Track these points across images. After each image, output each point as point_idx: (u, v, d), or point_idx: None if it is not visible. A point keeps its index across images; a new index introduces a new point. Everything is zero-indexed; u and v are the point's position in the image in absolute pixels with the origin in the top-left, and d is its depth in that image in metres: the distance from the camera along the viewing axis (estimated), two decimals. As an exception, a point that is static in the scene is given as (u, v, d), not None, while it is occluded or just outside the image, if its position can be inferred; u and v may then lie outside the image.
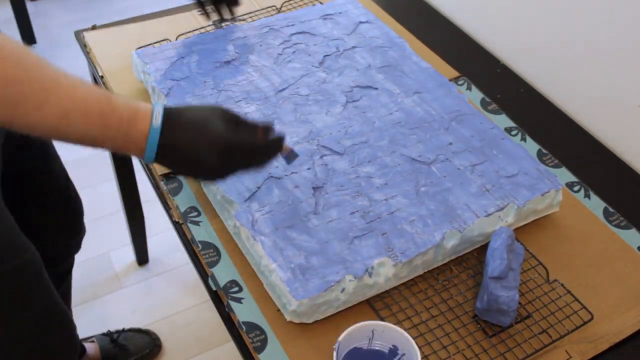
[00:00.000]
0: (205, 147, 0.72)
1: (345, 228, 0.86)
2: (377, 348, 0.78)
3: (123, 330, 1.56)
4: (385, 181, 0.92)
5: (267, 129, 0.79)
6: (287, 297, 0.79)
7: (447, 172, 0.93)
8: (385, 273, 0.83)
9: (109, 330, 1.55)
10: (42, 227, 1.14)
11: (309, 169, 0.93)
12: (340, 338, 0.73)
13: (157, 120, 0.70)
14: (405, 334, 0.76)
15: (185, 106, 0.76)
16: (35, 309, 0.99)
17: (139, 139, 0.70)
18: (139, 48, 1.21)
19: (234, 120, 0.75)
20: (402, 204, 0.89)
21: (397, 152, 0.96)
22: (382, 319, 0.82)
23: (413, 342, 0.75)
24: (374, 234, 0.85)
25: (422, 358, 0.79)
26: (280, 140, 0.80)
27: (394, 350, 0.78)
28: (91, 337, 1.53)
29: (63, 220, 1.21)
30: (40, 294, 0.99)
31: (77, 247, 1.28)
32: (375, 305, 0.84)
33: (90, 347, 1.48)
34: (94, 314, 1.65)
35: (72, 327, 1.11)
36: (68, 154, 1.31)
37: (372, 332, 0.77)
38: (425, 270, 0.87)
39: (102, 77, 1.17)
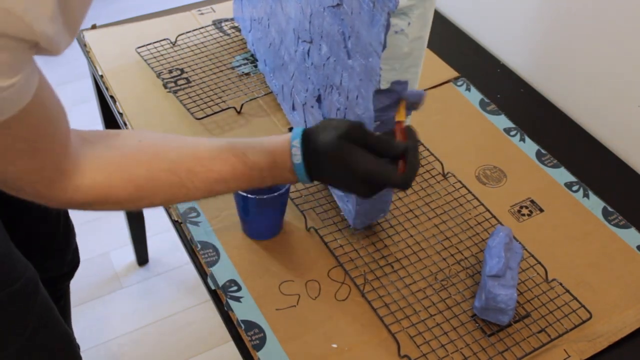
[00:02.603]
0: (351, 185, 0.74)
1: None
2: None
3: None
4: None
5: (408, 151, 0.73)
6: None
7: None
8: None
9: None
10: (30, 250, 1.11)
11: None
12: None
13: (298, 159, 0.73)
14: None
15: (322, 130, 0.73)
16: (32, 331, 0.97)
17: (288, 177, 0.75)
18: (139, 47, 1.22)
19: (367, 141, 0.73)
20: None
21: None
22: (380, 318, 0.83)
23: None
24: None
25: (420, 356, 0.79)
26: (417, 160, 0.74)
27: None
28: None
29: (52, 250, 1.18)
30: (37, 315, 0.98)
31: (68, 276, 1.26)
32: (374, 303, 0.84)
33: None
34: (94, 314, 1.66)
35: (73, 345, 1.10)
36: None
37: None
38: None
39: (102, 76, 1.17)
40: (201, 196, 0.72)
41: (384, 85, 0.73)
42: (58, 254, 1.20)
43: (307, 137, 0.73)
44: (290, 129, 1.07)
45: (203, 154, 0.71)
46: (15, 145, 0.57)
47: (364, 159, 0.71)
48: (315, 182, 0.95)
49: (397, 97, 0.75)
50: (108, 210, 0.71)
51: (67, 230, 1.20)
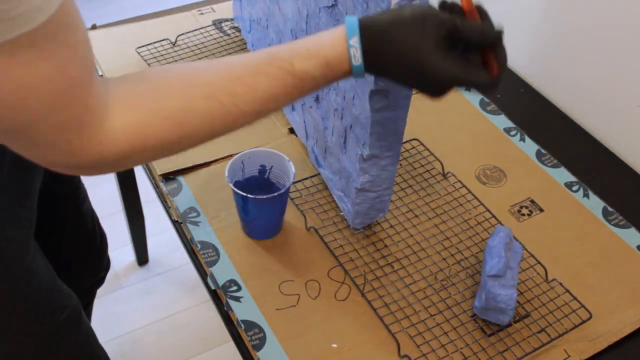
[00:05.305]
0: (420, 86, 0.62)
1: None
2: (248, 176, 0.91)
3: None
4: None
5: (498, 41, 0.64)
6: None
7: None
8: None
9: None
10: (67, 266, 1.10)
11: None
12: (227, 175, 0.86)
13: (357, 61, 0.60)
14: (269, 149, 0.90)
15: (388, 28, 0.60)
16: (78, 358, 0.97)
17: (342, 77, 0.63)
18: (139, 47, 1.22)
19: (452, 32, 0.61)
20: None
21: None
22: (380, 318, 0.83)
23: (277, 151, 0.89)
24: None
25: (420, 356, 0.79)
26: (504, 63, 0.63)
27: (262, 170, 0.92)
28: None
29: (88, 261, 1.20)
30: (82, 344, 0.97)
31: (100, 282, 1.27)
32: (374, 303, 0.84)
33: None
34: (94, 314, 1.65)
35: None
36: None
37: (242, 162, 0.90)
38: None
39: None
40: (250, 120, 0.62)
41: (377, 85, 0.73)
42: (96, 261, 1.22)
43: (368, 32, 0.60)
44: (291, 129, 1.07)
45: (242, 71, 0.60)
46: (40, 70, 0.49)
47: (451, 62, 0.60)
48: (317, 182, 0.94)
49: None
50: (148, 160, 0.61)
51: (102, 239, 1.21)
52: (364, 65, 0.61)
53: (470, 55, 0.62)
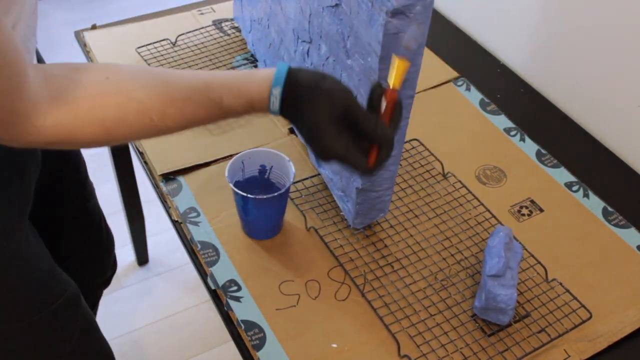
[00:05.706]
0: (312, 147, 0.70)
1: None
2: (248, 176, 0.92)
3: None
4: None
5: (382, 147, 0.69)
6: None
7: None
8: None
9: None
10: (73, 265, 1.11)
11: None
12: (227, 175, 0.87)
13: (275, 108, 0.69)
14: (269, 149, 0.90)
15: (304, 93, 0.68)
16: (75, 346, 0.97)
17: (259, 115, 0.72)
18: (139, 47, 1.22)
19: (352, 119, 0.68)
20: None
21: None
22: (380, 318, 0.83)
23: (277, 152, 0.90)
24: None
25: (420, 356, 0.79)
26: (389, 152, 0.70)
27: (262, 170, 0.92)
28: None
29: (94, 259, 1.19)
30: (80, 330, 0.97)
31: (106, 283, 1.26)
32: (374, 303, 0.84)
33: None
34: (94, 313, 1.66)
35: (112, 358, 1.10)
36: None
37: (242, 162, 0.90)
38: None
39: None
40: (172, 133, 0.70)
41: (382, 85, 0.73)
42: (103, 259, 1.22)
43: (289, 90, 0.68)
44: (291, 129, 1.07)
45: (176, 94, 0.67)
46: None
47: (339, 142, 0.68)
48: (317, 182, 0.95)
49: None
50: (75, 148, 0.68)
51: (108, 236, 1.21)
52: (280, 111, 0.69)
53: (361, 141, 0.69)
